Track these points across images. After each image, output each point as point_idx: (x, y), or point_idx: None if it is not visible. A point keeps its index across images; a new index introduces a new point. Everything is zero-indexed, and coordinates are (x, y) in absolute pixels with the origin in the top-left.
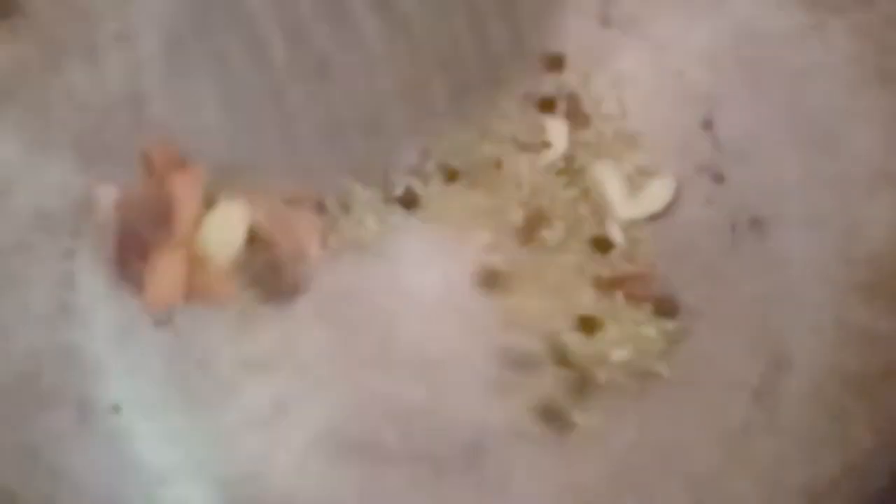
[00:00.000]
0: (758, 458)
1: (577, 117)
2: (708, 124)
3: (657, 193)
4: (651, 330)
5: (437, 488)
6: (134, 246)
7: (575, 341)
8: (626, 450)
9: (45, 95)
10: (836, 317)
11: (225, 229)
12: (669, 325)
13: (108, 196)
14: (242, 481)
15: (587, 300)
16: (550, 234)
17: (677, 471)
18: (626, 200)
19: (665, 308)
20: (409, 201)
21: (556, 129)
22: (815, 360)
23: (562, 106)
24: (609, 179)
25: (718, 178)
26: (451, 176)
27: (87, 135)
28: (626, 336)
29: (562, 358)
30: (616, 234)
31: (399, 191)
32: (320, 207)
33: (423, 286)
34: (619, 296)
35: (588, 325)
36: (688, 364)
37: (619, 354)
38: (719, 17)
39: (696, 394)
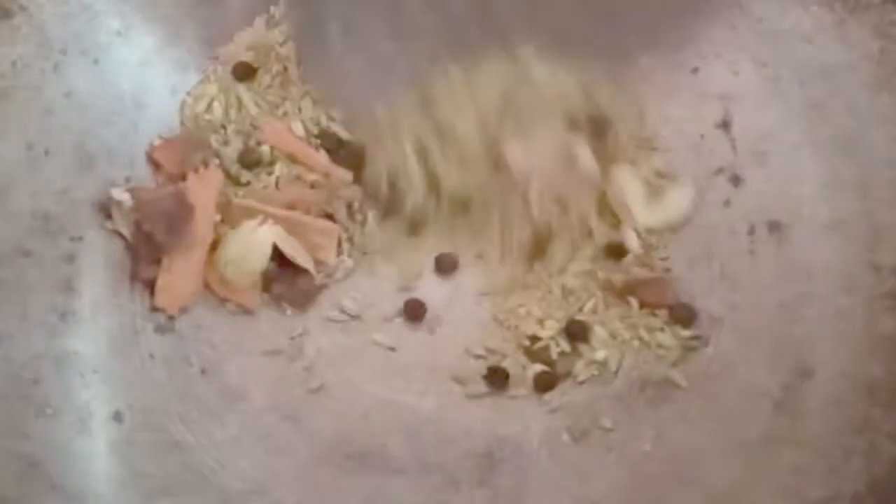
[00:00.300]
0: (778, 470)
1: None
2: (724, 125)
3: (676, 202)
4: (667, 337)
5: (449, 500)
6: (147, 247)
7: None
8: (641, 460)
9: (46, 95)
10: (860, 325)
11: (249, 252)
12: (686, 332)
13: (123, 198)
14: (247, 493)
15: (593, 306)
16: (560, 247)
17: (694, 482)
18: (645, 208)
19: (682, 315)
20: (414, 226)
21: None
22: (838, 370)
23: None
24: (628, 185)
25: (736, 181)
26: (459, 205)
27: (87, 135)
28: (613, 340)
29: (534, 353)
30: (632, 241)
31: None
32: (330, 216)
33: (432, 296)
34: (634, 302)
35: (575, 330)
36: (706, 372)
37: (599, 354)
38: (735, 14)
39: (715, 403)
